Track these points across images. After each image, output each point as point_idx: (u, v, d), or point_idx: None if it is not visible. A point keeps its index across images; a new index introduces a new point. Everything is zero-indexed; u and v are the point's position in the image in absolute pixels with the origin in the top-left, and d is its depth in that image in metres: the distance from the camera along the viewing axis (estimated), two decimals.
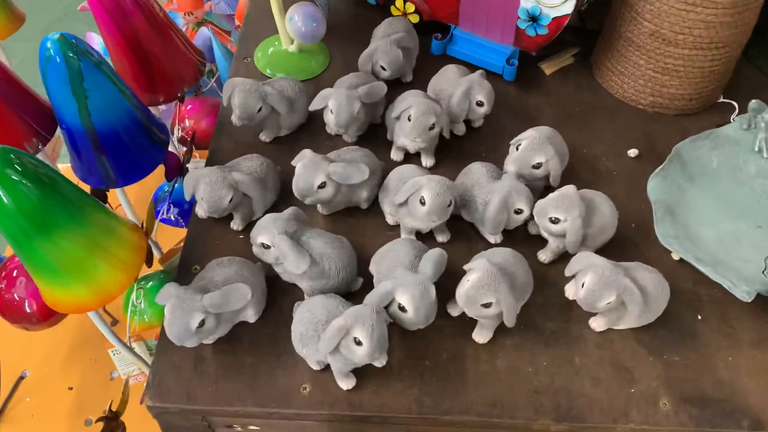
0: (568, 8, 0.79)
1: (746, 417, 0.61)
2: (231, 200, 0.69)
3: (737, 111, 0.84)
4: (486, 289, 0.60)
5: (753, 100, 0.76)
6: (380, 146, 0.81)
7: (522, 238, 0.73)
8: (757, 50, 0.92)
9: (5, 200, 0.54)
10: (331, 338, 0.57)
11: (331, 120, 0.76)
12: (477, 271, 0.61)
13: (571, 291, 0.68)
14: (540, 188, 0.74)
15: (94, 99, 0.65)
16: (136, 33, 0.73)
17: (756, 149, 0.76)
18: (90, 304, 0.61)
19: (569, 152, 0.79)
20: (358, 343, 0.57)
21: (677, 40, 0.79)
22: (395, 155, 0.80)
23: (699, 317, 0.68)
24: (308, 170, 0.69)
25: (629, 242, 0.73)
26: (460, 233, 0.74)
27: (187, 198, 0.70)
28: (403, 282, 0.60)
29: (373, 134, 0.83)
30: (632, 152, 0.82)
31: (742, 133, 0.76)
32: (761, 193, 0.75)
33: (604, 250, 0.71)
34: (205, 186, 0.68)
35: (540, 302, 0.68)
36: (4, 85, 0.67)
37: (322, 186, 0.69)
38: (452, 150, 0.82)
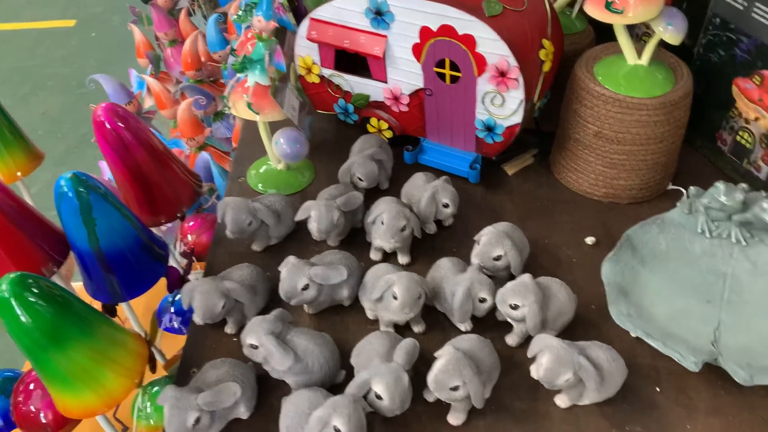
0: (518, 118, 0.89)
1: None
2: (223, 307, 0.77)
3: (686, 196, 0.93)
4: (452, 373, 0.66)
5: (692, 187, 0.84)
6: (361, 248, 0.90)
7: (491, 324, 0.80)
8: (700, 140, 1.02)
9: (23, 319, 0.62)
10: (312, 429, 0.63)
11: (314, 228, 0.85)
12: (443, 357, 0.67)
13: (534, 371, 0.73)
14: (504, 278, 0.81)
15: (101, 226, 0.75)
16: (137, 164, 0.84)
17: (699, 231, 0.83)
18: (98, 409, 0.67)
19: (531, 243, 0.87)
20: (337, 431, 0.63)
21: (618, 139, 0.88)
22: (374, 255, 0.89)
23: (658, 389, 0.73)
24: (292, 274, 0.77)
25: (590, 323, 0.80)
26: (435, 323, 0.81)
27: (185, 307, 0.78)
28: (377, 371, 0.67)
29: (355, 237, 0.91)
30: (589, 240, 0.90)
31: (686, 217, 0.84)
32: (707, 270, 0.82)
33: (566, 332, 0.78)
34: (199, 295, 0.76)
35: (509, 383, 0.74)
36: (22, 218, 0.77)
37: (305, 288, 0.77)
38: (426, 247, 0.90)
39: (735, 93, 0.92)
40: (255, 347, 0.71)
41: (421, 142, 1.02)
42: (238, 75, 0.92)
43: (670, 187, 0.95)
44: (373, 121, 1.03)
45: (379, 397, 0.66)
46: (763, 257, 0.81)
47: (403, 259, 0.88)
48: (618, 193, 0.94)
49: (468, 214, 0.94)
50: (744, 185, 0.80)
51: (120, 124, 0.82)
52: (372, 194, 0.94)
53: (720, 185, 0.79)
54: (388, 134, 1.03)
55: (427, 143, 1.01)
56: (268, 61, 0.89)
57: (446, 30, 0.85)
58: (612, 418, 0.71)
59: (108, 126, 0.82)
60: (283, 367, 0.70)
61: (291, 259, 0.79)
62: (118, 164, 0.84)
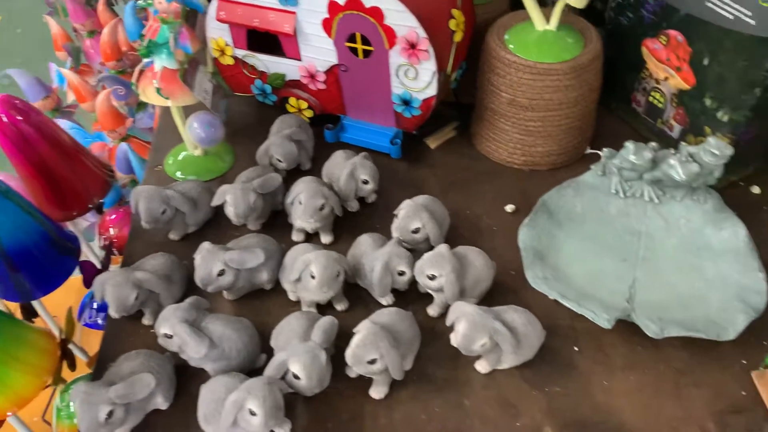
0: (432, 91, 0.89)
1: None
2: (137, 298, 0.75)
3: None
4: (369, 347, 0.66)
5: (604, 149, 0.85)
6: (283, 230, 0.88)
7: (414, 296, 0.80)
8: (615, 102, 1.03)
9: None
10: (228, 413, 0.62)
11: (231, 212, 0.84)
12: (361, 332, 0.67)
13: (453, 339, 0.74)
14: (424, 250, 0.81)
15: (3, 223, 0.72)
16: (41, 158, 0.81)
17: (613, 191, 0.84)
18: (4, 408, 0.65)
19: (453, 214, 0.87)
20: (253, 413, 0.62)
21: (532, 106, 0.89)
22: (296, 236, 0.87)
23: (576, 349, 0.74)
24: (206, 261, 0.76)
25: (509, 288, 0.81)
26: (358, 300, 0.80)
27: (98, 301, 0.75)
28: (294, 352, 0.66)
29: (276, 220, 0.90)
30: (509, 208, 0.90)
31: (600, 179, 0.85)
32: (623, 230, 0.83)
33: (486, 299, 0.78)
34: (111, 288, 0.74)
35: (431, 353, 0.74)
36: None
37: (221, 273, 0.76)
38: (349, 225, 0.89)
39: (645, 54, 0.94)
40: (169, 336, 0.70)
41: (341, 119, 1.01)
42: (145, 60, 0.89)
43: (588, 150, 0.96)
44: (292, 100, 1.01)
45: (296, 377, 0.66)
46: (675, 214, 0.83)
47: (325, 238, 0.87)
48: (537, 160, 0.95)
49: (391, 189, 0.94)
50: (654, 144, 0.82)
51: (19, 117, 0.79)
52: (294, 175, 0.93)
53: (629, 145, 0.80)
54: (309, 113, 1.01)
55: (348, 121, 1.00)
56: (173, 45, 0.86)
57: (354, 3, 0.84)
58: (531, 379, 0.72)
59: (5, 119, 0.78)
60: (198, 355, 0.69)
61: (206, 245, 0.77)
62: (20, 159, 0.81)
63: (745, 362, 0.72)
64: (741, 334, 0.70)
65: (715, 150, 0.76)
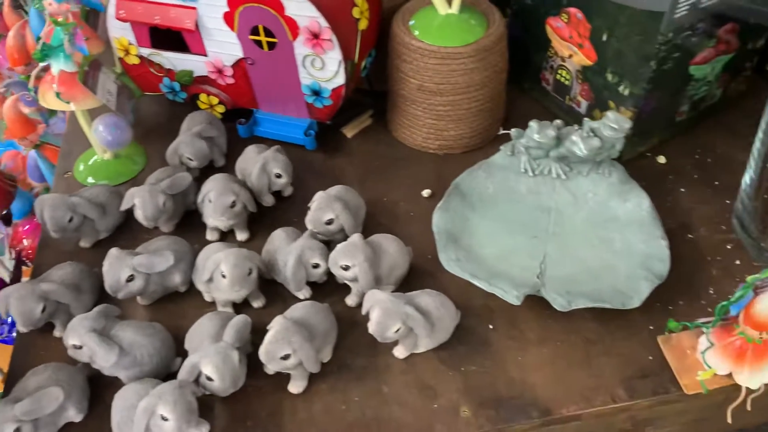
0: (341, 80, 0.88)
1: (535, 408, 0.68)
2: (43, 310, 0.72)
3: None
4: (281, 343, 0.65)
5: (513, 129, 0.86)
6: (197, 230, 0.87)
7: (332, 288, 0.80)
8: (528, 82, 1.05)
9: None
10: (139, 420, 0.61)
11: (140, 216, 0.82)
12: (272, 328, 0.67)
13: (369, 327, 0.74)
14: (340, 241, 0.81)
15: None
16: None
17: (522, 170, 0.86)
18: None
19: (371, 202, 0.87)
20: (165, 419, 0.61)
21: (440, 90, 0.89)
22: (210, 236, 0.86)
23: (491, 326, 0.76)
24: (114, 267, 0.74)
25: (426, 272, 0.81)
26: (276, 296, 0.80)
27: (3, 315, 0.73)
28: (206, 353, 0.66)
29: (191, 220, 0.88)
30: (425, 193, 0.91)
31: (509, 159, 0.87)
32: (534, 207, 0.85)
33: (403, 284, 0.79)
34: (15, 301, 0.71)
35: (350, 343, 0.75)
36: None
37: (130, 279, 0.74)
38: (265, 221, 0.88)
39: (549, 32, 0.95)
40: (78, 347, 0.68)
41: (254, 113, 0.99)
42: (41, 64, 0.86)
43: (501, 131, 0.97)
44: (203, 97, 0.99)
45: (209, 379, 0.65)
46: (582, 188, 0.85)
47: (241, 235, 0.86)
48: (451, 144, 0.96)
49: (308, 181, 0.94)
50: (558, 121, 0.83)
51: None
52: (208, 173, 0.91)
53: (533, 124, 0.82)
54: (221, 109, 1.00)
55: (261, 114, 0.99)
56: (68, 47, 0.84)
57: None
58: (448, 360, 0.73)
59: None
60: (108, 363, 0.67)
61: (113, 252, 0.75)
62: None
63: (652, 328, 0.75)
64: (648, 301, 0.73)
65: (614, 124, 0.78)
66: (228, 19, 0.87)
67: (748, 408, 0.71)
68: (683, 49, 0.83)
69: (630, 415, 0.71)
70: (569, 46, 0.93)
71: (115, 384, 0.71)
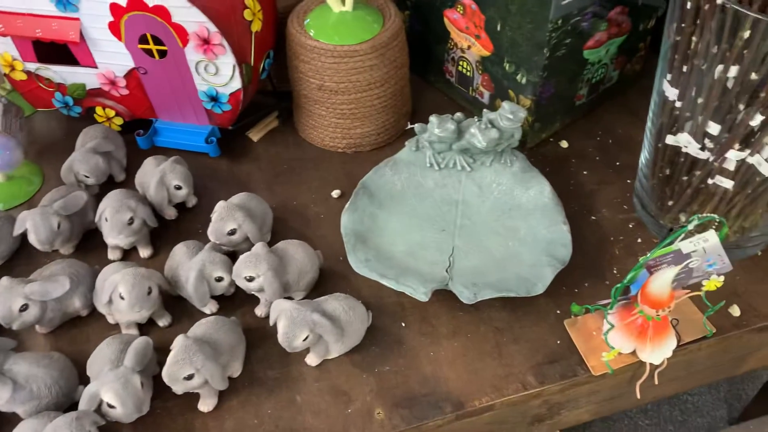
0: (237, 84, 0.86)
1: (448, 403, 0.69)
2: None
3: None
4: (182, 363, 0.64)
5: (417, 124, 0.86)
6: (99, 250, 0.83)
7: (242, 299, 0.78)
8: (433, 75, 1.05)
9: None
10: None
11: (33, 240, 0.78)
12: (173, 348, 0.65)
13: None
14: (246, 251, 0.79)
15: None
16: None
17: (428, 165, 0.86)
18: None
19: (281, 206, 0.86)
20: None
21: (340, 89, 0.88)
22: (112, 255, 0.83)
23: (403, 324, 0.76)
24: (4, 297, 0.70)
25: (339, 275, 0.81)
26: (183, 312, 0.78)
27: None
28: (104, 380, 0.63)
29: (93, 240, 0.85)
30: (335, 193, 0.90)
31: (414, 154, 0.86)
32: (441, 200, 0.85)
33: (316, 289, 0.78)
34: None
35: (261, 355, 0.73)
36: None
37: (24, 309, 0.70)
38: (170, 234, 0.86)
39: (447, 24, 0.95)
40: None
41: (153, 123, 0.96)
42: None
43: (409, 126, 0.97)
44: (99, 110, 0.95)
45: (111, 406, 0.63)
46: (486, 179, 0.85)
47: (144, 252, 0.83)
48: (358, 142, 0.95)
49: (214, 190, 0.91)
50: (459, 114, 0.84)
51: None
52: (108, 189, 0.87)
53: (433, 119, 0.82)
54: (119, 121, 0.96)
55: (160, 123, 0.96)
56: None
57: (137, 3, 0.80)
58: (361, 364, 0.72)
59: None
60: (2, 401, 0.64)
61: (3, 281, 0.71)
62: None
63: (558, 312, 0.76)
64: (554, 286, 0.74)
65: (510, 114, 0.79)
66: (113, 28, 0.83)
67: (656, 382, 0.73)
68: (575, 35, 0.84)
69: (543, 400, 0.72)
70: (467, 37, 0.93)
71: (14, 421, 0.68)
